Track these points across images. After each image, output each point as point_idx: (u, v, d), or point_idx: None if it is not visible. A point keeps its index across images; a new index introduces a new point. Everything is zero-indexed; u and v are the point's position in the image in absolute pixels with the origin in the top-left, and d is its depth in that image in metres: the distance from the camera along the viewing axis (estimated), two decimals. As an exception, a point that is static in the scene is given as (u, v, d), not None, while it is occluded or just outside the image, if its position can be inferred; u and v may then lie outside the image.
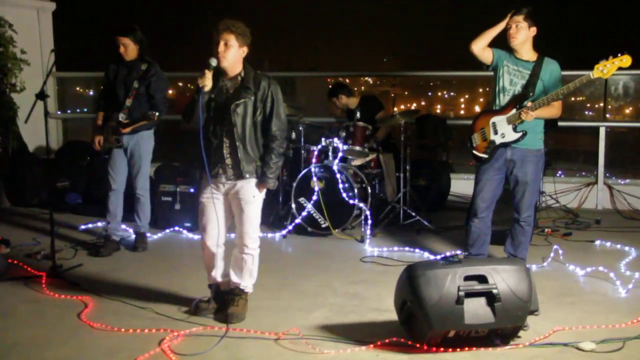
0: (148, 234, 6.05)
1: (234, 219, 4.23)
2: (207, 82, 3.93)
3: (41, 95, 4.97)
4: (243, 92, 4.04)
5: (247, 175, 4.06)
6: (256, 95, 4.05)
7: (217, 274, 4.27)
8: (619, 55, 4.37)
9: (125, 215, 5.94)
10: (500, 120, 4.81)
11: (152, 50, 5.79)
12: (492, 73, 4.98)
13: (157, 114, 5.46)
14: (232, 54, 3.98)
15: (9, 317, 4.23)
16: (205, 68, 3.93)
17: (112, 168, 5.73)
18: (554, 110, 4.73)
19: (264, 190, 4.18)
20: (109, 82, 5.74)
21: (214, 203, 4.11)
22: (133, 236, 6.02)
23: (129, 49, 5.62)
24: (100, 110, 5.82)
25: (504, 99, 4.84)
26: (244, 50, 4.05)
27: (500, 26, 4.81)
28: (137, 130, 5.63)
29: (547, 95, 4.61)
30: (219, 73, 4.05)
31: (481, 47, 4.84)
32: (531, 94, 4.71)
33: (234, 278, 4.23)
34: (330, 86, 7.65)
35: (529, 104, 4.64)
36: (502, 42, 4.90)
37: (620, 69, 4.43)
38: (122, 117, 5.57)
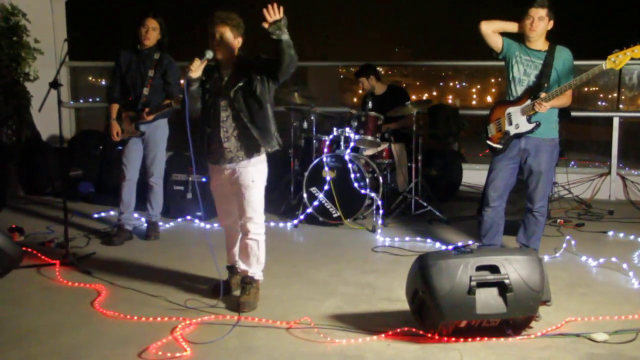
0: (160, 223, 6.08)
1: None
2: (194, 68, 3.98)
3: (54, 84, 4.98)
4: (238, 78, 4.09)
5: (270, 149, 4.17)
6: (250, 75, 4.07)
7: (236, 254, 4.43)
8: (632, 45, 4.34)
9: (137, 204, 5.96)
10: (515, 111, 4.78)
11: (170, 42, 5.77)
12: (502, 62, 4.96)
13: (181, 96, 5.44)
14: (228, 46, 4.05)
15: (23, 304, 4.27)
16: (197, 57, 3.98)
17: (126, 158, 5.74)
18: (565, 99, 4.70)
19: (264, 175, 4.24)
20: (120, 70, 5.70)
21: (221, 190, 4.30)
22: (145, 225, 6.05)
23: (154, 34, 5.58)
24: (114, 102, 5.73)
25: (518, 90, 4.81)
26: (239, 41, 4.12)
27: (514, 27, 4.80)
28: (155, 118, 5.64)
29: (560, 87, 4.58)
30: (216, 66, 4.14)
31: (490, 29, 4.83)
32: (545, 84, 4.68)
33: (242, 265, 4.28)
34: (360, 66, 7.61)
35: (543, 95, 4.61)
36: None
37: (633, 59, 4.39)
38: (141, 106, 5.57)
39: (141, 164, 5.82)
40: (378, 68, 7.86)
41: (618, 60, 4.35)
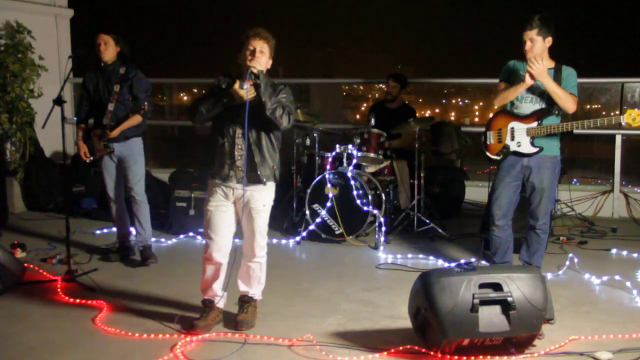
0: (162, 239, 6.02)
1: (239, 226, 4.17)
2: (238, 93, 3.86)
3: (58, 101, 5.00)
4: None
5: (265, 180, 4.00)
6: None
7: (219, 288, 4.17)
8: None
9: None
10: (520, 128, 4.76)
11: (136, 58, 5.71)
12: None
13: (146, 103, 5.31)
14: (264, 62, 3.95)
15: (24, 321, 4.26)
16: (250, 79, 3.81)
17: (105, 179, 5.66)
18: (569, 103, 4.62)
19: (272, 199, 4.14)
20: (88, 92, 5.61)
21: (222, 212, 4.05)
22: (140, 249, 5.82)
23: (109, 47, 5.49)
24: (80, 123, 5.67)
25: (520, 106, 4.79)
26: (270, 62, 4.03)
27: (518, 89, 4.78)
28: (127, 137, 5.52)
29: (578, 122, 4.59)
30: (239, 76, 3.93)
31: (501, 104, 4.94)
32: (557, 112, 4.68)
33: (242, 287, 4.22)
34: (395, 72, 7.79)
35: (564, 125, 4.62)
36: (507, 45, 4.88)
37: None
38: (106, 121, 5.46)
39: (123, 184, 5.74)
40: (381, 85, 7.94)
41: (638, 118, 4.47)
